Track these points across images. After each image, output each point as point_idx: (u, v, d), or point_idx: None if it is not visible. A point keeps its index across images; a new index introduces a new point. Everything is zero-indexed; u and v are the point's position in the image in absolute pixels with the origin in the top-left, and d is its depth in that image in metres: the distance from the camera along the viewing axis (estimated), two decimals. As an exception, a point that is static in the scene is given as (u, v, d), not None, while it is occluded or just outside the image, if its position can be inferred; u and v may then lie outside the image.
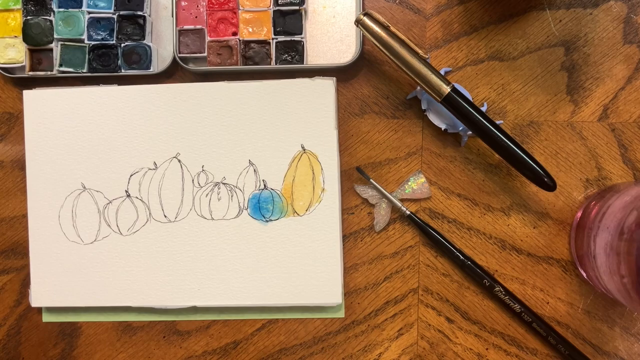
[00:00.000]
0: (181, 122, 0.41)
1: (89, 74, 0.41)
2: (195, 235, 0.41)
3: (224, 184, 0.41)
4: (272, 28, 0.40)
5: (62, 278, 0.41)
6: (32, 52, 0.42)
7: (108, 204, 0.41)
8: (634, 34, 0.40)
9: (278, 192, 0.41)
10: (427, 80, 0.37)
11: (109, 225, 0.41)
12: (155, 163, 0.41)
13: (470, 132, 0.39)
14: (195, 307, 0.41)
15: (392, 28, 0.37)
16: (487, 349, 0.41)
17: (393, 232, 0.41)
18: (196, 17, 0.41)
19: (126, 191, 0.41)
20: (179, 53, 0.41)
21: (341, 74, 0.41)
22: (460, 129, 0.39)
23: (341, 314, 0.42)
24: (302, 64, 0.40)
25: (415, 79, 0.37)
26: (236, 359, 0.42)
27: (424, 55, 0.37)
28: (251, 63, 0.41)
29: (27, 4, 0.41)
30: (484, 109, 0.40)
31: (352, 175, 0.41)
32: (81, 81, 0.42)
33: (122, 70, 0.41)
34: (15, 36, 0.41)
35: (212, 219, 0.41)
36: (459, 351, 0.41)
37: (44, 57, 0.42)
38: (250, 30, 0.41)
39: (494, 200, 0.41)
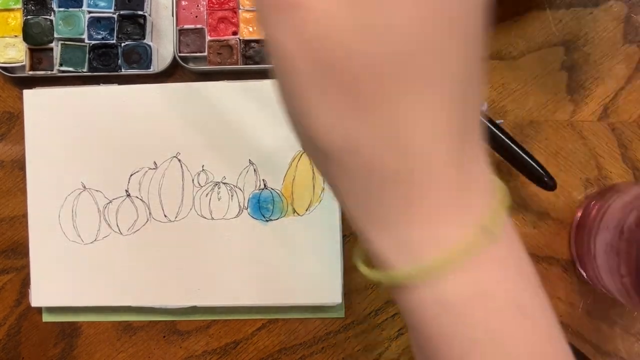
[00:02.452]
0: (181, 121, 0.41)
1: (89, 74, 0.41)
2: (196, 235, 0.41)
3: (224, 183, 0.41)
4: (273, 28, 0.40)
5: (62, 278, 0.41)
6: (32, 51, 0.42)
7: (108, 203, 0.41)
8: (634, 34, 0.40)
9: (278, 191, 0.41)
10: (427, 79, 0.36)
11: (109, 225, 0.41)
12: (155, 162, 0.41)
13: (470, 132, 0.39)
14: (195, 306, 0.41)
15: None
16: (487, 348, 0.41)
17: (393, 231, 0.41)
18: (196, 16, 0.41)
19: (126, 191, 0.41)
20: (179, 52, 0.41)
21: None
22: (461, 128, 0.39)
23: (341, 314, 0.42)
24: (302, 63, 0.40)
25: (416, 78, 0.37)
26: (236, 358, 0.42)
27: (424, 55, 0.37)
28: (251, 62, 0.41)
29: (28, 3, 0.41)
30: (484, 108, 0.40)
31: (352, 174, 0.41)
32: (81, 81, 0.42)
33: (123, 70, 0.41)
34: (16, 35, 0.41)
35: (212, 218, 0.41)
36: (459, 351, 0.41)
37: (44, 57, 0.42)
38: (251, 29, 0.41)
39: (494, 199, 0.41)
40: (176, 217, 0.41)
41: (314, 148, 0.20)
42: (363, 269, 0.21)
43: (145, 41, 0.41)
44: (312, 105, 0.18)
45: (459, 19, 0.18)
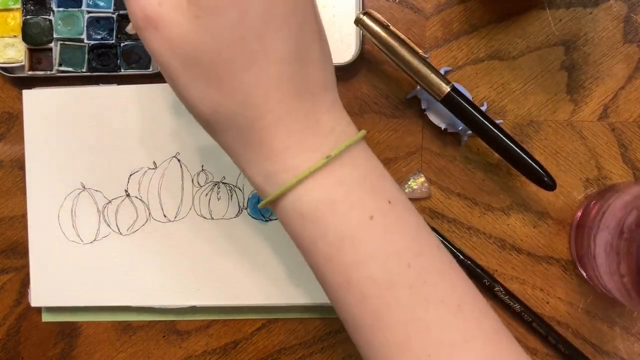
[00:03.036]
0: (181, 121, 0.41)
1: (89, 74, 0.41)
2: (195, 235, 0.41)
3: (223, 183, 0.41)
4: (272, 27, 0.40)
5: (61, 278, 0.41)
6: (31, 51, 0.42)
7: (107, 203, 0.41)
8: (634, 33, 0.40)
9: (278, 191, 0.41)
10: (427, 79, 0.36)
11: (108, 225, 0.41)
12: (154, 162, 0.41)
13: (470, 132, 0.39)
14: (194, 306, 0.41)
15: (392, 27, 0.37)
16: (487, 348, 0.41)
17: (393, 231, 0.41)
18: (196, 16, 0.41)
19: (126, 191, 0.41)
20: (179, 52, 0.41)
21: (341, 73, 0.41)
22: (460, 128, 0.39)
23: (341, 314, 0.42)
24: (302, 63, 0.40)
25: (415, 78, 0.37)
26: (236, 358, 0.42)
27: (424, 55, 0.37)
28: (251, 62, 0.41)
29: (27, 3, 0.41)
30: (483, 108, 0.40)
31: (352, 174, 0.41)
32: (81, 81, 0.42)
33: (122, 70, 0.41)
34: (15, 35, 0.41)
35: (212, 218, 0.41)
36: (459, 351, 0.41)
37: (44, 57, 0.42)
38: (250, 29, 0.40)
39: (493, 199, 0.41)
40: (176, 217, 0.41)
41: (199, 120, 0.28)
42: (260, 204, 0.29)
43: (144, 41, 0.41)
44: (184, 86, 0.26)
45: (274, 16, 0.25)
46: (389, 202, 0.27)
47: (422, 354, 0.26)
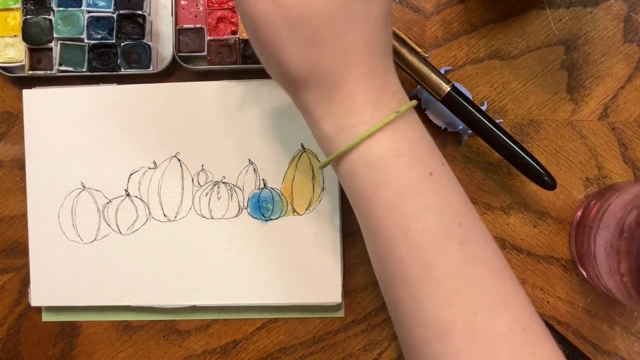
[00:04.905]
0: (181, 121, 0.41)
1: (89, 73, 0.41)
2: (195, 235, 0.41)
3: (223, 183, 0.41)
4: (272, 27, 0.40)
5: (61, 277, 0.41)
6: (31, 51, 0.42)
7: (108, 203, 0.41)
8: (634, 33, 0.40)
9: (278, 191, 0.41)
10: (427, 79, 0.36)
11: (108, 225, 0.41)
12: (154, 162, 0.41)
13: (470, 131, 0.39)
14: (194, 306, 0.41)
15: (392, 27, 0.37)
16: (487, 348, 0.41)
17: (393, 231, 0.41)
18: (196, 16, 0.41)
19: (126, 190, 0.41)
20: (179, 52, 0.41)
21: (341, 73, 0.41)
22: (460, 127, 0.39)
23: (341, 313, 0.42)
24: (302, 63, 0.40)
25: (415, 77, 0.37)
26: (236, 358, 0.42)
27: (424, 54, 0.37)
28: (251, 62, 0.41)
29: (27, 3, 0.41)
30: (484, 107, 0.40)
31: (352, 174, 0.41)
32: (81, 80, 0.42)
33: (122, 70, 0.41)
34: (15, 35, 0.41)
35: (212, 218, 0.41)
36: (459, 350, 0.41)
37: (44, 56, 0.42)
38: (250, 29, 0.40)
39: (494, 199, 0.41)
40: (176, 216, 0.41)
41: (288, 80, 0.29)
42: (320, 164, 0.31)
43: (144, 41, 0.41)
44: (286, 48, 0.28)
45: None
46: (442, 164, 0.30)
47: (467, 309, 0.27)
